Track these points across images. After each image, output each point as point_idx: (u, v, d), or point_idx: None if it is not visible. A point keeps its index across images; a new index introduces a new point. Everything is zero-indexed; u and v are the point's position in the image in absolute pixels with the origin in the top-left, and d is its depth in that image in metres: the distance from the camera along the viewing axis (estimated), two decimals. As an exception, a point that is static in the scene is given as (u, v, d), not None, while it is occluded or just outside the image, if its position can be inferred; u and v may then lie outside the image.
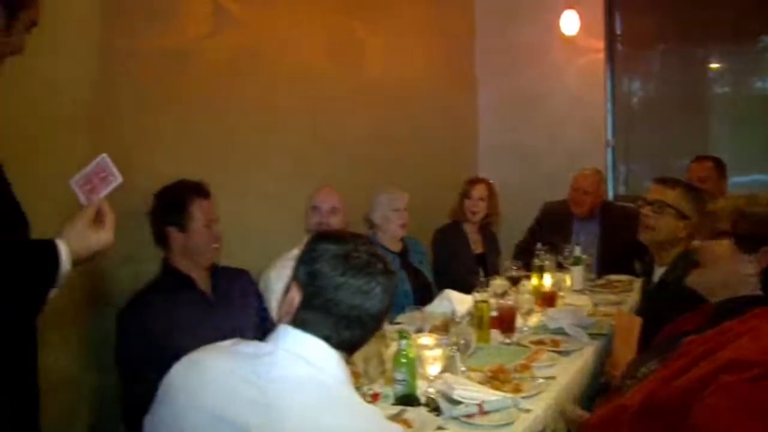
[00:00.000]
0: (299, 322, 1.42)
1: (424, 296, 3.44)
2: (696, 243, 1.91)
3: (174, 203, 2.62)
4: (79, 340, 2.62)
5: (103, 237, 1.56)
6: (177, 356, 2.34)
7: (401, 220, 3.66)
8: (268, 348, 1.41)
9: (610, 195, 5.30)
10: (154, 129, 2.90)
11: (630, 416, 1.67)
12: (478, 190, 4.25)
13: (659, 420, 1.61)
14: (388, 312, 1.48)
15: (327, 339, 1.40)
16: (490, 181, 4.40)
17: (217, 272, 2.74)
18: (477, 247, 4.30)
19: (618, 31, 5.51)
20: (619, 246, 4.12)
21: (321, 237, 1.49)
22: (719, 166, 4.27)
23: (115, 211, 2.32)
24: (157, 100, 2.90)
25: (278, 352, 1.39)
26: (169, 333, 2.47)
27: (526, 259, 3.67)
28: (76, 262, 1.51)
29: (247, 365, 1.37)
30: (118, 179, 1.62)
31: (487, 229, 4.40)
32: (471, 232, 4.31)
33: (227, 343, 1.49)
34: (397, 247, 3.68)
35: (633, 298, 3.55)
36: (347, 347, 1.44)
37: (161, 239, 2.64)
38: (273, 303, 2.93)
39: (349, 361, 1.47)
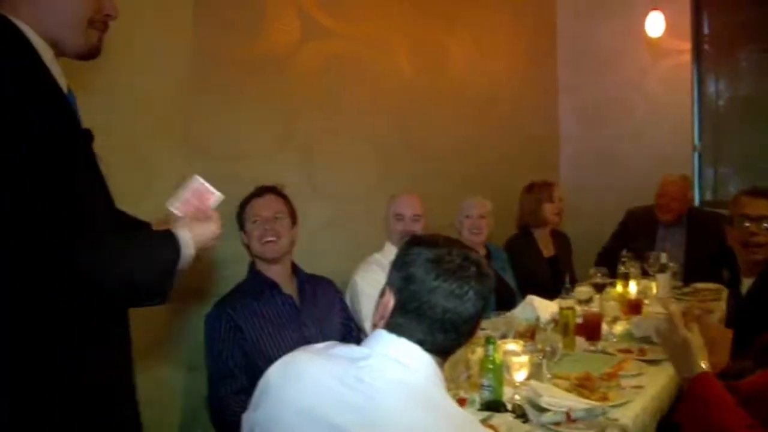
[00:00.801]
0: (393, 326, 1.44)
1: (506, 303, 3.40)
2: None
3: (240, 208, 2.76)
4: (170, 343, 2.73)
5: (213, 227, 1.62)
6: (265, 357, 2.42)
7: (472, 226, 3.66)
8: (363, 351, 1.43)
9: (697, 201, 5.16)
10: (246, 135, 3.00)
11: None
12: (558, 192, 4.23)
13: None
14: (482, 316, 1.47)
15: (421, 343, 1.41)
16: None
17: (301, 278, 2.81)
18: (548, 251, 4.26)
19: (705, 31, 5.36)
20: (706, 253, 4.01)
21: (414, 242, 1.50)
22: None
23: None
24: (249, 108, 3.01)
25: (373, 355, 1.41)
26: (255, 334, 2.55)
27: (609, 265, 3.61)
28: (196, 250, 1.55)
29: (343, 368, 1.40)
30: (218, 195, 1.67)
31: (557, 230, 4.37)
32: (542, 236, 4.26)
33: (322, 345, 1.51)
34: (481, 253, 3.67)
35: (721, 307, 3.44)
36: (441, 351, 1.44)
37: (244, 244, 2.77)
38: (363, 306, 2.99)
39: (442, 366, 1.47)
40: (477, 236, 3.66)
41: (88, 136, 1.55)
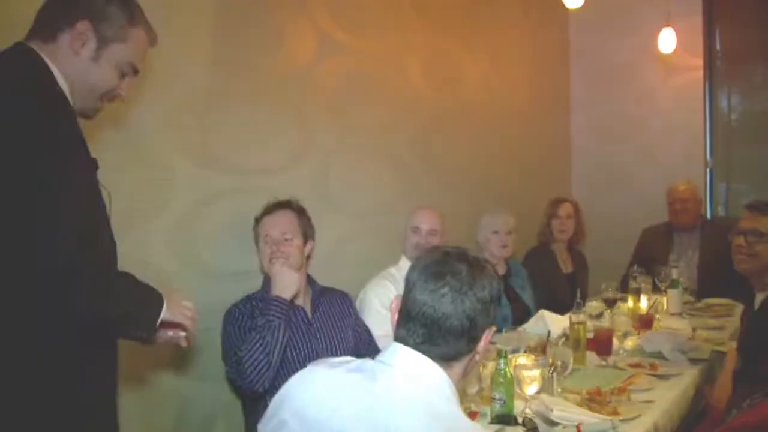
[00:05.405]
0: (399, 334, 1.48)
1: (521, 322, 3.40)
2: None
3: (256, 222, 2.76)
4: (180, 357, 2.75)
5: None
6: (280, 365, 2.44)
7: (500, 242, 3.67)
8: (375, 364, 1.46)
9: (709, 216, 5.14)
10: (263, 149, 3.05)
11: None
12: (565, 209, 4.28)
13: None
14: (475, 315, 1.44)
15: (423, 349, 1.43)
16: (574, 200, 4.44)
17: (316, 291, 2.81)
18: (567, 267, 4.31)
19: (718, 48, 5.37)
20: (721, 257, 4.01)
21: (422, 253, 1.56)
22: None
23: (234, 230, 2.52)
24: (266, 122, 3.05)
25: (385, 368, 1.43)
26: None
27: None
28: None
29: (354, 381, 1.43)
30: None
31: (575, 248, 4.41)
32: (560, 252, 4.33)
33: (338, 359, 1.54)
34: (501, 269, 3.69)
35: (733, 323, 3.44)
36: (443, 358, 1.44)
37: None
38: (369, 319, 3.00)
39: (453, 374, 1.47)
40: (505, 250, 3.68)
41: (94, 165, 1.64)
